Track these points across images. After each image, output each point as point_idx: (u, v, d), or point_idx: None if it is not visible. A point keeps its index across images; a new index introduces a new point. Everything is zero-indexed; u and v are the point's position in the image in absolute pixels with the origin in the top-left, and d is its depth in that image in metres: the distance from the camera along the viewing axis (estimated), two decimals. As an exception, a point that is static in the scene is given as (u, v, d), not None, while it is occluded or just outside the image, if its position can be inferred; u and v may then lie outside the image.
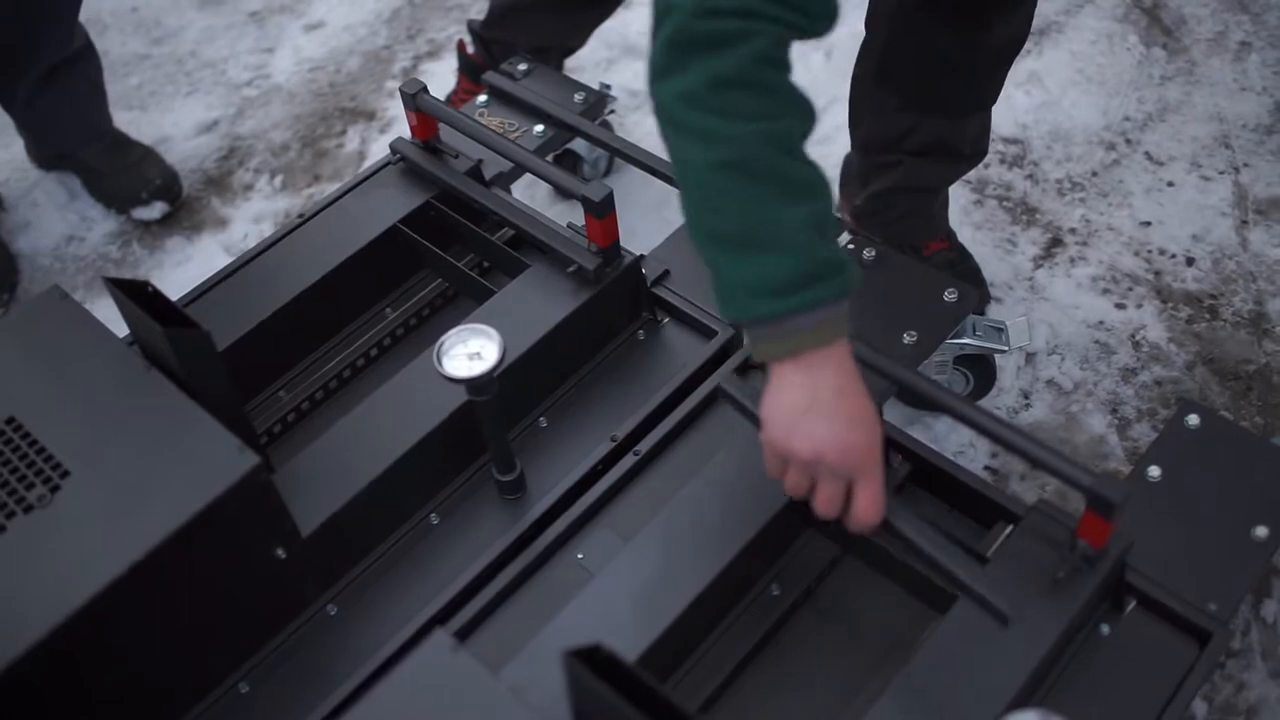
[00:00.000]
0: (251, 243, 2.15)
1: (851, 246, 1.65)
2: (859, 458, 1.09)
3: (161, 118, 2.45)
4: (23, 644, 1.05)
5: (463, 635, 1.26)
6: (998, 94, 1.71)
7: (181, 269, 2.13)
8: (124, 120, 2.33)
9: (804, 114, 1.07)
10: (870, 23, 1.69)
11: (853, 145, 1.84)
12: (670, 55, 1.03)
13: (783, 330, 1.05)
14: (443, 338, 1.26)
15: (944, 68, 1.63)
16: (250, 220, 2.21)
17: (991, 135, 2.22)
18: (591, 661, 0.88)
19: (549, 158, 2.04)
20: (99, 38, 2.48)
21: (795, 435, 1.08)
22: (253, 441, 1.27)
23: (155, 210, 2.23)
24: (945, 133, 1.71)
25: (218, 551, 1.20)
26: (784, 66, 1.06)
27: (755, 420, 1.19)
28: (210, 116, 2.45)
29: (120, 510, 1.15)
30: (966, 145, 1.73)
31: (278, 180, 2.29)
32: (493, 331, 1.25)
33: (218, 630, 1.27)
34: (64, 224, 2.25)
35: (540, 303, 1.49)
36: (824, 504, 1.13)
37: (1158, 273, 1.99)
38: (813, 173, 1.06)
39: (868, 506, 1.11)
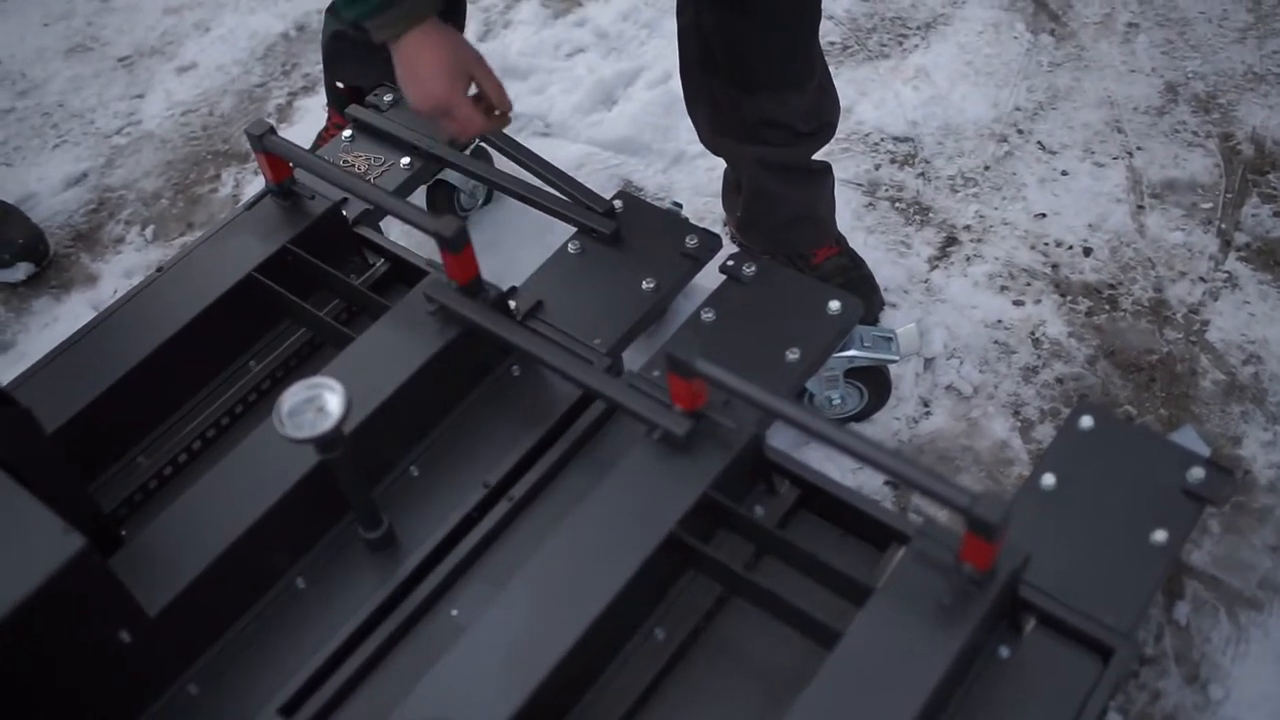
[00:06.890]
0: (121, 299, 2.04)
1: (732, 263, 1.59)
2: (455, 87, 1.42)
3: (27, 173, 2.34)
4: None
5: (324, 715, 1.18)
6: (809, 69, 1.66)
7: (49, 330, 2.03)
8: (-12, 179, 2.22)
9: None
10: (680, 12, 1.65)
11: (699, 137, 1.80)
12: None
13: (377, 24, 1.38)
14: (281, 396, 1.17)
15: (742, 44, 1.60)
16: (121, 275, 2.11)
17: (881, 135, 2.18)
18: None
19: (424, 187, 1.96)
20: (-41, 95, 2.38)
21: (419, 99, 1.43)
22: (89, 520, 1.18)
23: (19, 271, 2.12)
24: (773, 110, 1.66)
25: (51, 643, 1.11)
26: None
27: None
28: (79, 169, 2.34)
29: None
30: (800, 122, 1.68)
31: (149, 231, 2.19)
32: (334, 384, 1.17)
33: (63, 727, 1.18)
34: (-77, 291, 2.14)
35: (400, 347, 1.41)
36: (468, 125, 1.46)
37: (1055, 265, 1.94)
38: None
39: (494, 93, 1.47)
